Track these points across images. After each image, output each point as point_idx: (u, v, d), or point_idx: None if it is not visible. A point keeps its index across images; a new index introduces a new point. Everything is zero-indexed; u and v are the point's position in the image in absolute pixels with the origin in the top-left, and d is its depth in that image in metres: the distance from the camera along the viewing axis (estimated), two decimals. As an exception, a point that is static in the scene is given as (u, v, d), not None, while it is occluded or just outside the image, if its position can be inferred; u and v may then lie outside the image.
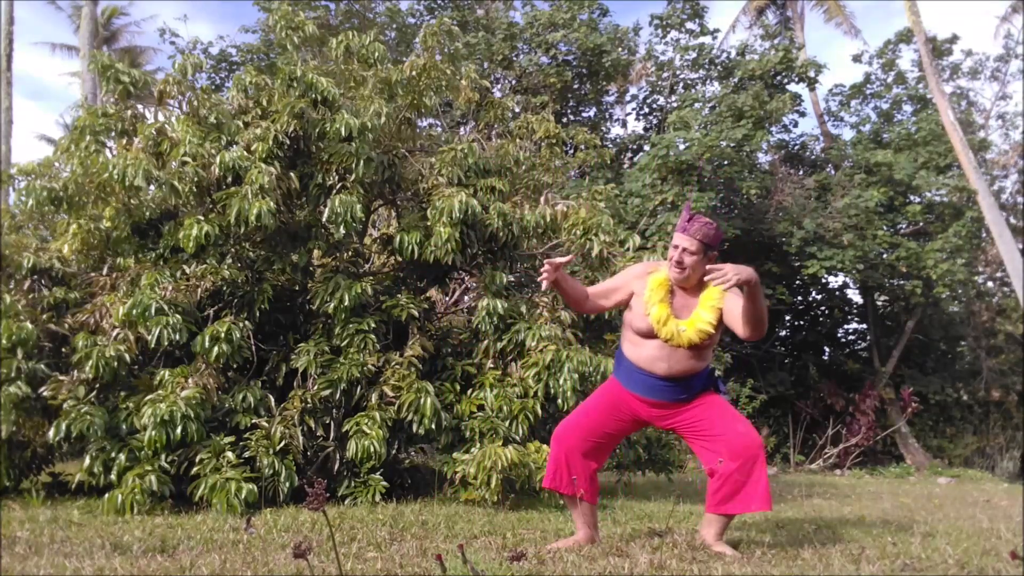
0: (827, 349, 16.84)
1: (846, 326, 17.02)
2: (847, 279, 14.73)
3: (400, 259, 5.70)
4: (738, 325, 3.12)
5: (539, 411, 4.93)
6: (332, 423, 5.03)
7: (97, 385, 4.75)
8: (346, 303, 5.02)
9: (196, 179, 5.19)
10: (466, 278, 6.36)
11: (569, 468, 3.28)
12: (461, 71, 6.67)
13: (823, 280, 15.19)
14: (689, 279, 3.22)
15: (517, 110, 12.99)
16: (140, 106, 5.92)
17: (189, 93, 5.65)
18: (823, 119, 17.85)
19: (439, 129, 11.54)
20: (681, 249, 3.18)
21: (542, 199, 5.74)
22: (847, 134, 17.87)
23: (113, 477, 4.47)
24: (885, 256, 13.94)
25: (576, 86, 15.86)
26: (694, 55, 15.87)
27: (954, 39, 18.00)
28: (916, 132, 15.63)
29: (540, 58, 15.04)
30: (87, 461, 4.52)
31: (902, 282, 14.41)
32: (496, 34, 14.81)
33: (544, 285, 3.20)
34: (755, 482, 3.14)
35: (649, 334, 3.22)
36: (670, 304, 3.21)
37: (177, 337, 4.70)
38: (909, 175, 14.25)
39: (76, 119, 5.61)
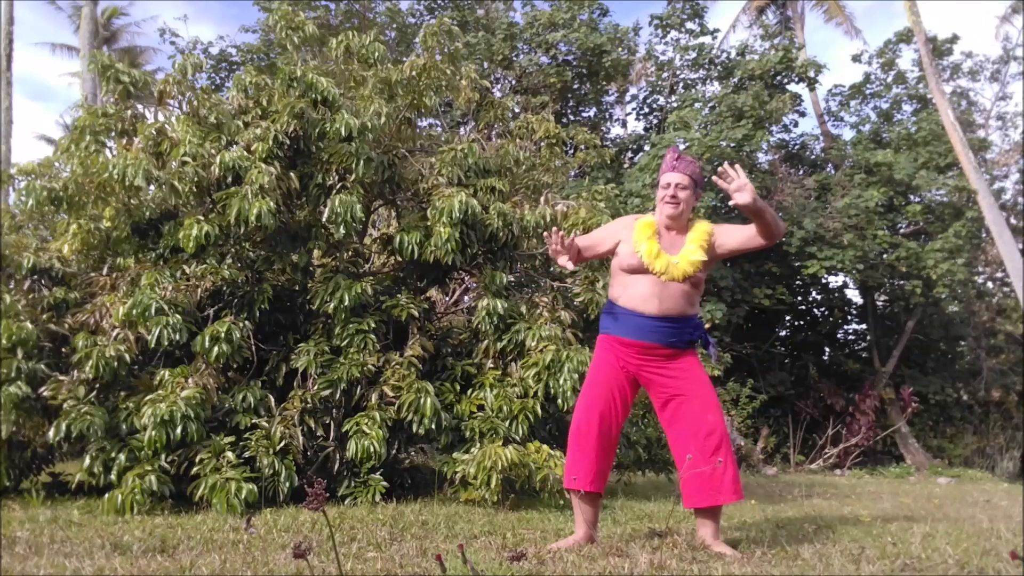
0: (827, 349, 16.84)
1: (846, 326, 17.03)
2: (847, 279, 14.73)
3: (400, 259, 5.70)
4: (747, 241, 3.26)
5: (539, 411, 4.93)
6: (332, 423, 5.03)
7: (97, 385, 4.75)
8: (346, 303, 5.02)
9: (196, 179, 5.18)
10: (466, 278, 6.36)
11: (588, 466, 3.27)
12: (461, 71, 6.67)
13: (823, 280, 15.20)
14: (681, 216, 3.32)
15: (517, 110, 13.00)
16: (140, 106, 5.92)
17: (189, 93, 5.65)
18: (823, 119, 17.85)
19: (439, 129, 11.54)
20: (674, 185, 3.30)
21: (542, 199, 5.74)
22: (847, 134, 17.89)
23: (113, 477, 4.47)
24: (885, 256, 13.95)
25: (576, 86, 15.86)
26: (694, 55, 15.87)
27: (954, 39, 18.00)
28: (916, 132, 15.63)
29: (540, 58, 15.04)
30: (87, 461, 4.52)
31: (902, 282, 14.41)
32: (496, 34, 14.81)
33: (563, 262, 3.26)
34: (720, 473, 3.15)
35: (640, 269, 3.27)
36: (659, 243, 3.30)
37: (177, 337, 4.70)
38: (909, 175, 14.25)
39: (76, 119, 5.61)
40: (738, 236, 3.30)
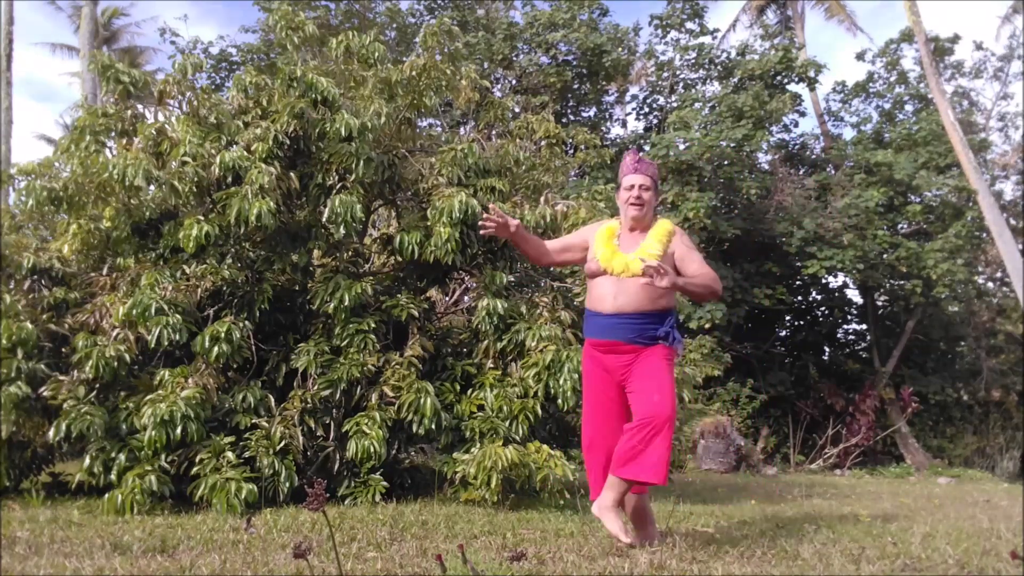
0: (827, 349, 16.83)
1: (846, 326, 17.03)
2: (847, 279, 14.73)
3: (400, 259, 5.70)
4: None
5: (539, 411, 4.93)
6: (332, 423, 5.03)
7: (97, 385, 4.75)
8: (346, 303, 5.01)
9: (196, 179, 5.18)
10: (466, 278, 6.36)
11: (594, 478, 3.37)
12: (461, 71, 6.67)
13: (823, 280, 15.20)
14: (645, 217, 3.45)
15: (517, 110, 13.00)
16: (140, 106, 5.91)
17: (189, 93, 5.65)
18: (823, 119, 17.86)
19: (439, 129, 11.55)
20: (638, 186, 3.43)
21: (542, 199, 5.74)
22: (847, 134, 17.91)
23: (113, 477, 4.46)
24: (885, 256, 13.95)
25: (576, 86, 15.87)
26: (694, 55, 15.87)
27: (956, 39, 18.01)
28: (916, 132, 15.64)
29: (540, 58, 15.04)
30: (87, 461, 4.52)
31: (902, 282, 14.41)
32: (496, 34, 14.81)
33: (484, 232, 3.46)
34: (651, 452, 3.12)
35: (599, 272, 3.40)
36: (617, 245, 3.42)
37: (177, 337, 4.70)
38: (909, 175, 14.25)
39: (76, 119, 5.61)
40: (691, 272, 3.38)
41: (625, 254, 3.35)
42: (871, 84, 17.76)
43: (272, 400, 4.95)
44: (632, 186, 3.42)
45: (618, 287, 3.31)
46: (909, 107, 17.47)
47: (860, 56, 18.41)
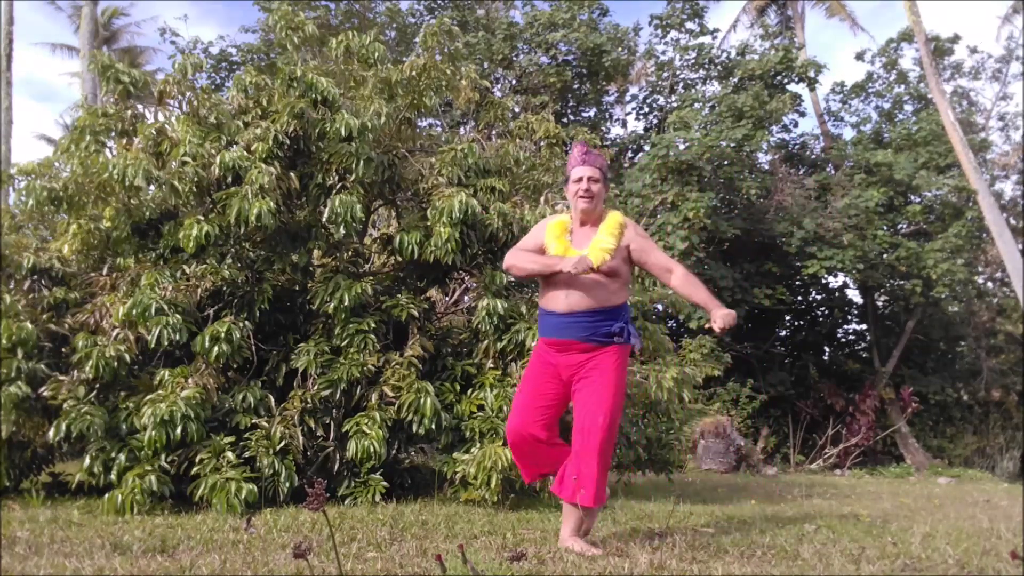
0: (827, 349, 16.84)
1: (846, 326, 17.03)
2: (847, 279, 14.74)
3: (400, 259, 5.70)
4: (661, 275, 3.38)
5: (539, 411, 4.92)
6: (332, 423, 5.03)
7: (97, 385, 4.75)
8: (346, 303, 5.01)
9: (196, 179, 5.18)
10: (466, 278, 6.36)
11: (524, 468, 3.40)
12: (461, 71, 6.67)
13: (823, 280, 15.20)
14: (595, 210, 3.38)
15: (517, 110, 13.00)
16: (140, 106, 5.91)
17: (189, 93, 5.65)
18: (823, 119, 17.86)
19: (439, 129, 11.55)
20: (587, 179, 3.36)
21: (542, 199, 5.74)
22: (847, 134, 17.93)
23: (113, 477, 4.46)
24: (885, 256, 13.95)
25: (576, 86, 15.87)
26: (694, 55, 15.88)
27: (956, 39, 18.02)
28: (916, 132, 15.64)
29: (540, 58, 15.05)
30: (87, 461, 4.52)
31: (902, 282, 14.41)
32: (496, 34, 14.82)
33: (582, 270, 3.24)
34: (585, 472, 3.14)
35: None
36: (569, 241, 3.35)
37: (177, 337, 4.70)
38: (909, 175, 14.26)
39: (76, 119, 5.61)
40: (657, 264, 3.35)
41: (578, 250, 3.28)
42: (871, 84, 17.78)
43: (272, 400, 4.95)
44: (580, 178, 3.35)
45: (570, 285, 3.25)
46: (909, 107, 17.48)
47: (860, 56, 18.43)
